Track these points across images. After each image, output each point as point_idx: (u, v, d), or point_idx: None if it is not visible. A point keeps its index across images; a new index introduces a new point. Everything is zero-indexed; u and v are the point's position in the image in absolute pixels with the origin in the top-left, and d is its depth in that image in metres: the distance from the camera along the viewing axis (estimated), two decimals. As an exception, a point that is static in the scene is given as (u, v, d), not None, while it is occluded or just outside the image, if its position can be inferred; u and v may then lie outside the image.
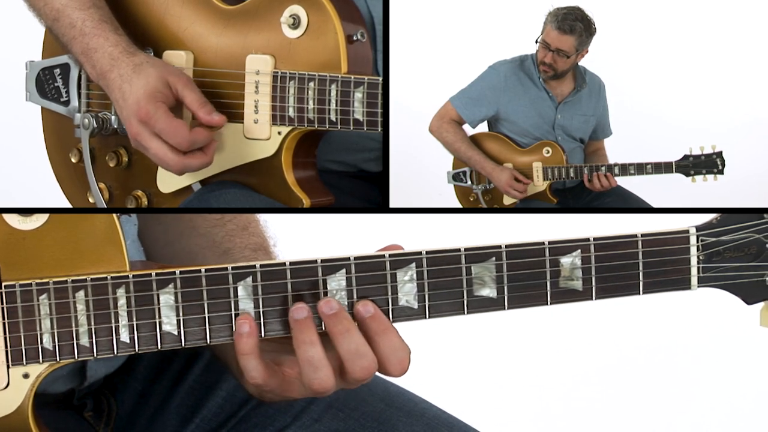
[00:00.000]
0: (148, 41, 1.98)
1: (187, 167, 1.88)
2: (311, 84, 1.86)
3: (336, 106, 1.84)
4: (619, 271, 1.54)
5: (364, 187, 2.08)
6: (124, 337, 1.49)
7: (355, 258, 1.51)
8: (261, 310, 1.50)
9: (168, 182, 2.01)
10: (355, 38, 1.87)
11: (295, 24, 1.88)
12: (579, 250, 1.53)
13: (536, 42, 2.37)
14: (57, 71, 2.06)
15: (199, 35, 1.95)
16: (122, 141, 2.04)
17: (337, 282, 1.50)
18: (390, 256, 1.51)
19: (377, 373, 1.54)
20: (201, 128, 1.87)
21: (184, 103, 1.88)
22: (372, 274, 1.51)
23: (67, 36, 1.94)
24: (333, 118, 1.85)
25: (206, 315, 1.49)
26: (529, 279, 1.53)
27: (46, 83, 2.07)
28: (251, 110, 1.91)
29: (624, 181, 2.41)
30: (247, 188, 1.94)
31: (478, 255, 1.52)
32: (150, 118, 1.84)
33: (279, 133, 1.90)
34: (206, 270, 1.49)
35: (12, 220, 1.47)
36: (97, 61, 1.90)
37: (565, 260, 1.53)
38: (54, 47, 2.05)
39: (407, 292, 1.52)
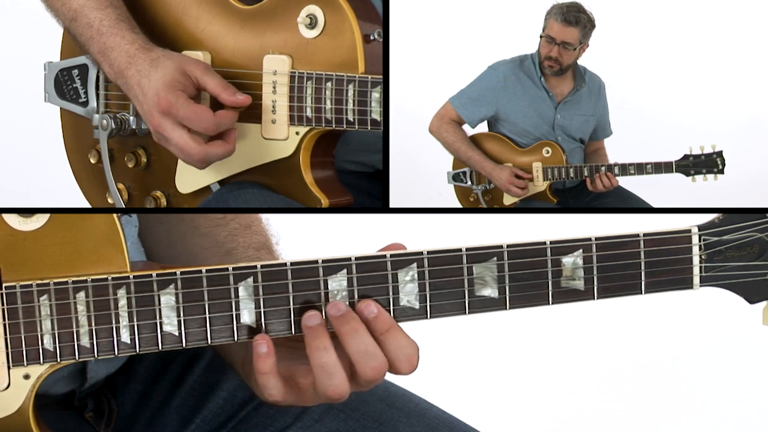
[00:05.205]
0: (166, 41, 1.98)
1: (210, 156, 1.87)
2: (329, 84, 1.85)
3: (354, 106, 1.84)
4: (620, 270, 1.53)
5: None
6: (125, 337, 1.49)
7: (356, 258, 1.50)
8: (262, 310, 1.50)
9: (187, 182, 2.01)
10: (372, 38, 1.86)
11: (312, 24, 1.87)
12: (580, 250, 1.53)
13: (540, 37, 2.37)
14: (75, 72, 2.06)
15: (216, 35, 1.95)
16: (141, 141, 2.04)
17: (338, 282, 1.50)
18: (391, 256, 1.51)
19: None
20: (225, 110, 1.87)
21: (207, 89, 1.88)
22: (373, 275, 1.51)
23: (84, 36, 1.94)
24: (351, 118, 1.85)
25: (207, 315, 1.49)
26: (530, 279, 1.52)
27: (64, 84, 2.07)
28: (269, 110, 1.91)
29: (624, 181, 2.41)
30: (266, 188, 1.94)
31: (479, 255, 1.52)
32: (171, 107, 1.84)
33: (297, 133, 1.90)
34: (207, 270, 1.49)
35: (12, 220, 1.47)
36: (115, 59, 1.90)
37: (567, 260, 1.53)
38: (72, 48, 2.04)
39: (408, 293, 1.51)
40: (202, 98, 1.91)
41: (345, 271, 1.50)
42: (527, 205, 2.44)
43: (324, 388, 1.49)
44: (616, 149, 2.51)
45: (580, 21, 2.34)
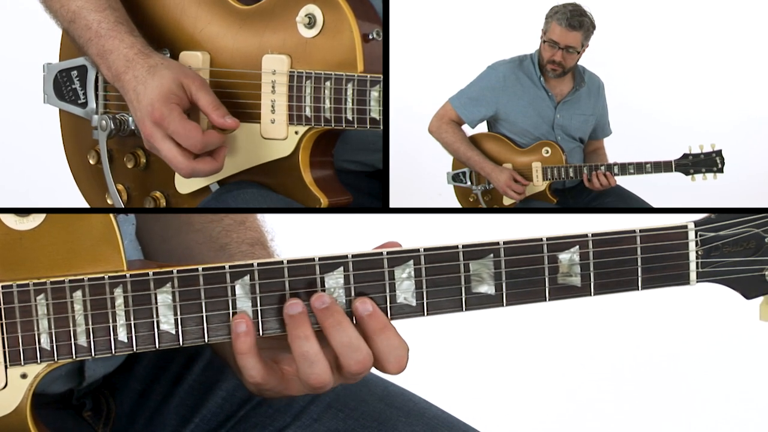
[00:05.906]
0: (165, 42, 1.98)
1: (196, 172, 1.88)
2: (328, 83, 1.86)
3: (353, 105, 1.84)
4: (617, 266, 1.53)
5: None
6: (122, 336, 1.49)
7: (353, 256, 1.50)
8: (258, 308, 1.50)
9: (186, 183, 2.01)
10: (371, 37, 1.87)
11: (311, 23, 1.88)
12: (577, 246, 1.53)
13: (543, 41, 2.37)
14: (74, 73, 2.06)
15: (215, 36, 1.95)
16: (140, 142, 2.03)
17: (334, 280, 1.50)
18: (388, 253, 1.51)
19: (377, 373, 1.54)
20: (214, 131, 1.88)
21: (198, 106, 1.88)
22: (370, 272, 1.51)
23: (83, 38, 1.94)
24: (350, 117, 1.85)
25: (204, 314, 1.49)
26: (527, 275, 1.52)
27: (63, 85, 2.07)
28: (268, 110, 1.91)
29: (623, 181, 2.41)
30: (265, 188, 1.94)
31: (476, 252, 1.52)
32: (163, 119, 1.84)
33: (296, 132, 1.90)
34: (204, 269, 1.49)
35: (9, 220, 1.47)
36: (113, 62, 1.90)
37: (563, 256, 1.53)
38: (71, 49, 2.05)
39: (405, 290, 1.51)
40: (200, 114, 1.92)
41: (342, 268, 1.50)
42: (527, 205, 2.44)
43: (306, 376, 1.49)
44: (615, 149, 2.51)
45: (583, 24, 2.34)
